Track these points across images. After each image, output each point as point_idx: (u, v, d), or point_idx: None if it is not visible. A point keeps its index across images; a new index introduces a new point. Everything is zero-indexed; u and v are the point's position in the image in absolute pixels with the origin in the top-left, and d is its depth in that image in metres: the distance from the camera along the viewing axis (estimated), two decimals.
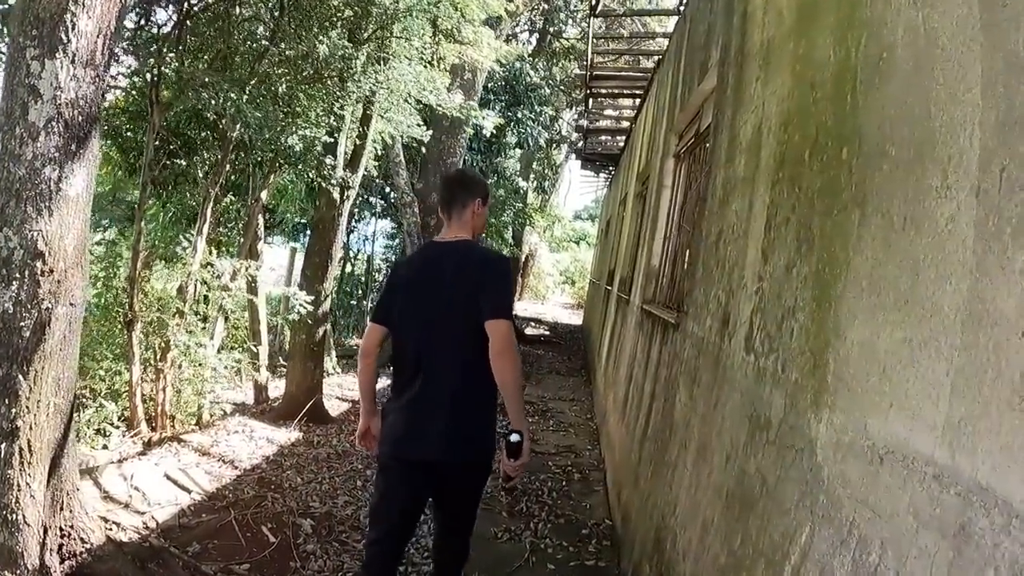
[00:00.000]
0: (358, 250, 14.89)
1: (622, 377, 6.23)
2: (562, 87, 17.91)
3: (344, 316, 13.84)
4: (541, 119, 13.95)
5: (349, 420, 7.83)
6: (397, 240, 13.32)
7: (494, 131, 14.51)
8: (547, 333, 17.53)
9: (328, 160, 6.75)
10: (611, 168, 16.32)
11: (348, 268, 15.31)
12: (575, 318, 23.93)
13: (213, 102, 5.53)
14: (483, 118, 8.04)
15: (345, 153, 7.53)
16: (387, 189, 12.71)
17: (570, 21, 16.67)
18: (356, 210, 13.90)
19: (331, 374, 10.04)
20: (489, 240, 22.18)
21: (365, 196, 13.08)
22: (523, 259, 23.52)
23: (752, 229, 2.53)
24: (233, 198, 9.26)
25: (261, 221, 8.22)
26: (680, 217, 5.13)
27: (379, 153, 10.93)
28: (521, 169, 23.31)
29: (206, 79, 5.54)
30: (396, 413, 2.76)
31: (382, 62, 5.85)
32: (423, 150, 11.84)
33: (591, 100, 10.88)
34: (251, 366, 8.27)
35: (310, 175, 6.70)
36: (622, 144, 13.14)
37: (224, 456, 6.25)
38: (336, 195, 7.37)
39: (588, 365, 12.51)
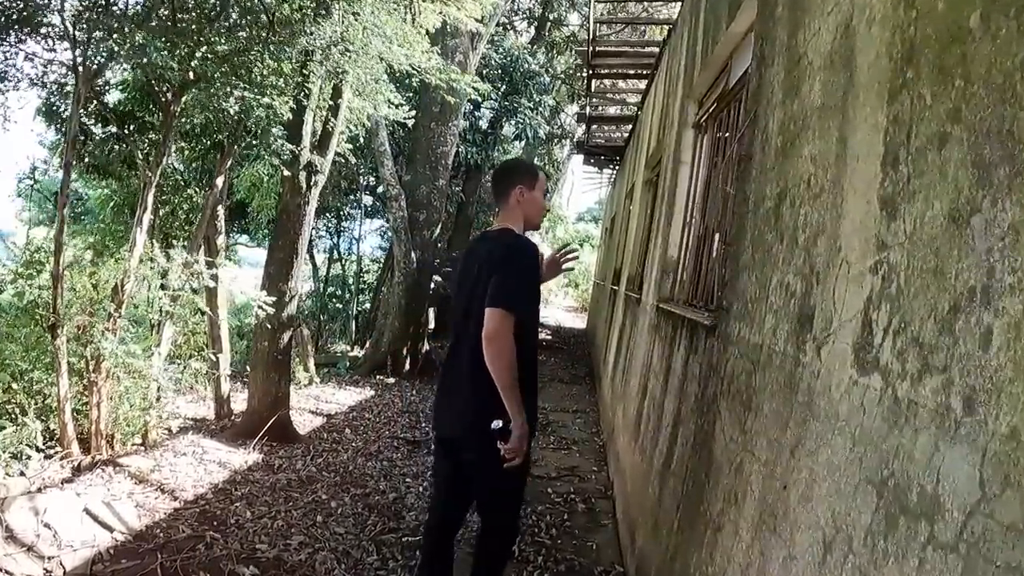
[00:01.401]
0: (347, 250, 13.98)
1: (634, 389, 5.29)
2: (563, 78, 17.02)
3: (330, 320, 12.91)
4: (541, 109, 13.05)
5: (320, 439, 6.90)
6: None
7: (490, 122, 13.66)
8: (549, 338, 16.58)
9: (276, 131, 5.79)
10: (615, 163, 15.38)
11: (336, 270, 14.40)
12: (579, 322, 23.00)
13: (146, 63, 4.62)
14: (468, 84, 7.08)
15: (314, 133, 6.62)
16: (378, 186, 11.79)
17: (571, 8, 15.78)
18: (343, 208, 13.00)
19: (306, 385, 9.11)
20: None
21: (350, 190, 12.16)
22: None
23: (852, 174, 1.61)
24: (198, 189, 8.38)
25: (222, 213, 7.30)
26: (704, 196, 4.21)
27: (361, 141, 10.02)
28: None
29: (139, 39, 4.63)
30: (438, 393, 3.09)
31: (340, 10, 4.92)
32: (411, 140, 10.96)
33: (594, 81, 9.93)
34: (211, 377, 7.37)
35: (265, 155, 5.77)
36: (627, 135, 12.21)
37: (165, 484, 5.36)
38: (302, 181, 6.46)
39: (593, 372, 11.57)
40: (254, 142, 6.58)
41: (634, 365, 5.60)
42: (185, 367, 7.85)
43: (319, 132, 6.74)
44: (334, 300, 13.08)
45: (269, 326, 6.60)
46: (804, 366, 1.73)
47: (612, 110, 13.01)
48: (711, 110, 4.28)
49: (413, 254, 10.16)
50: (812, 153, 1.92)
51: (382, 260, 13.02)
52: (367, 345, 11.13)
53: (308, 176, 6.50)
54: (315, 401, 8.48)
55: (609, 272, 11.93)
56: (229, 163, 7.14)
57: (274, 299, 6.48)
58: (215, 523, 4.65)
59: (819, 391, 1.61)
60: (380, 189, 11.33)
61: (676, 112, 5.31)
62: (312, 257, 15.39)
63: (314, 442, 6.75)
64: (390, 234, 10.34)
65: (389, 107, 7.26)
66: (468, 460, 2.89)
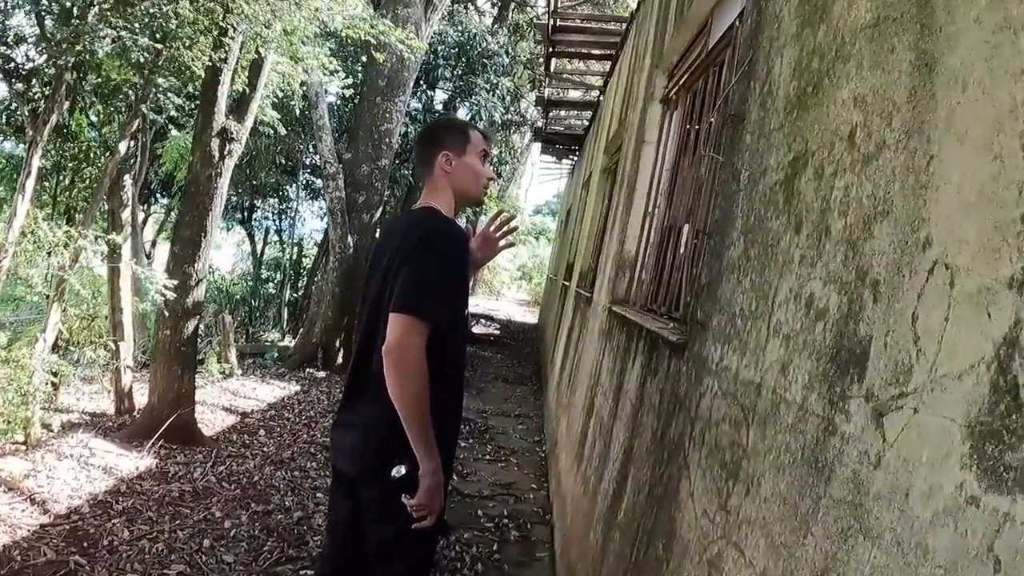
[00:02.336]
0: (287, 232, 13.04)
1: (579, 402, 4.62)
2: (524, 62, 16.30)
3: (264, 306, 11.99)
4: (499, 92, 12.29)
5: (228, 441, 6.10)
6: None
7: (444, 103, 12.86)
8: (497, 332, 15.86)
9: (164, 82, 4.96)
10: (574, 153, 14.72)
11: (276, 252, 13.47)
12: (530, 316, 22.32)
13: None
14: (398, 39, 6.25)
15: (231, 96, 5.80)
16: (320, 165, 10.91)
17: None
18: (284, 187, 12.06)
19: (225, 377, 8.26)
20: None
21: (289, 168, 11.25)
22: None
23: (956, 111, 0.92)
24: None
25: (129, 182, 6.43)
26: (672, 181, 3.53)
27: (298, 112, 9.17)
28: None
29: None
30: None
31: None
32: (355, 116, 10.12)
33: (555, 62, 9.21)
34: (110, 368, 6.51)
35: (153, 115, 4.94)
36: (587, 122, 11.55)
37: (37, 493, 4.57)
38: (214, 149, 5.63)
39: (540, 372, 10.90)
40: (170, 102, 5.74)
41: (581, 374, 4.92)
42: (80, 356, 6.99)
43: (239, 97, 5.92)
44: (268, 284, 12.17)
45: (171, 313, 5.77)
46: (846, 439, 1.05)
47: (573, 94, 12.32)
48: (683, 81, 3.61)
49: (350, 238, 9.34)
50: (858, 94, 1.24)
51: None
52: (298, 335, 10.28)
53: (222, 144, 5.68)
54: (231, 396, 7.64)
55: (562, 266, 11.27)
56: (137, 125, 6.29)
57: (178, 283, 5.67)
58: (85, 544, 3.93)
59: (880, 492, 0.92)
60: (305, 161, 10.47)
61: (642, 87, 4.63)
62: (251, 237, 14.49)
63: (220, 445, 5.94)
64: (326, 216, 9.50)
65: (324, 73, 6.47)
66: (366, 500, 2.18)
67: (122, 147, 5.91)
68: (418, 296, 1.95)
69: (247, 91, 5.85)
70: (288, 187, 11.72)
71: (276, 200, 12.15)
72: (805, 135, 1.44)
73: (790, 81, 1.59)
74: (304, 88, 9.03)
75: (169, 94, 5.52)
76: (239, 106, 5.86)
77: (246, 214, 12.83)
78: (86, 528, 4.13)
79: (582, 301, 6.19)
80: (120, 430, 5.99)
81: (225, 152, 5.71)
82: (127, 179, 6.38)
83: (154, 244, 12.48)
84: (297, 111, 8.75)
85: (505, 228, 2.50)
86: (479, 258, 2.51)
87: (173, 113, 7.11)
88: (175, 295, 5.68)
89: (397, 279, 1.99)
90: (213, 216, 5.78)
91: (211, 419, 6.66)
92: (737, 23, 2.55)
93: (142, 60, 4.42)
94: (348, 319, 9.70)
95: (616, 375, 3.31)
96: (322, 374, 9.25)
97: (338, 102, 11.27)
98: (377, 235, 9.85)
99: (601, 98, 8.98)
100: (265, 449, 6.00)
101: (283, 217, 12.94)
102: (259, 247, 13.35)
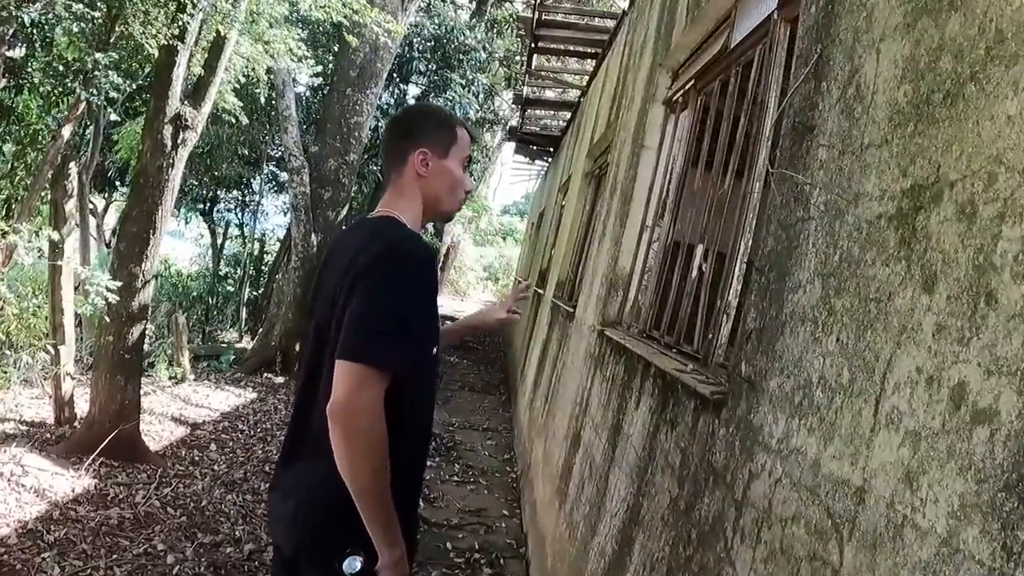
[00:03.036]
0: (245, 225, 12.45)
1: (561, 430, 4.24)
2: (501, 59, 15.91)
3: (222, 304, 11.39)
4: (474, 88, 11.87)
5: (176, 457, 5.61)
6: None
7: (417, 98, 12.40)
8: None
9: (103, 58, 4.49)
10: (548, 155, 14.34)
11: (236, 248, 12.88)
12: None
13: None
14: (373, 19, 5.76)
15: (187, 79, 5.32)
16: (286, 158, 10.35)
17: None
18: (247, 179, 11.48)
19: (176, 382, 7.73)
20: None
21: (252, 159, 10.70)
22: (444, 251, 21.38)
23: None
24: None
25: (75, 171, 5.90)
26: (679, 193, 3.17)
27: (263, 101, 8.66)
28: None
29: None
30: None
31: None
32: (323, 107, 9.63)
33: (536, 59, 8.81)
34: (49, 373, 5.99)
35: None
36: (564, 124, 11.19)
37: None
38: (166, 137, 5.15)
39: (508, 381, 10.52)
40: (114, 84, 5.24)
41: (562, 398, 4.55)
42: (17, 360, 6.45)
43: (197, 81, 5.44)
44: (227, 281, 11.57)
45: (114, 317, 5.28)
46: None
47: (551, 94, 11.93)
48: (692, 83, 3.24)
49: (314, 237, 8.85)
50: None
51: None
52: (256, 337, 9.76)
53: (175, 132, 5.19)
54: (183, 404, 7.13)
55: (533, 271, 10.89)
56: (83, 109, 5.77)
57: (122, 284, 5.18)
58: None
59: None
60: (270, 152, 9.92)
61: (639, 87, 4.27)
62: (212, 231, 13.88)
63: (167, 462, 5.45)
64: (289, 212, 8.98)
65: (292, 60, 6.00)
66: None
67: (66, 132, 5.41)
68: (372, 337, 1.49)
69: (206, 75, 5.36)
70: (252, 179, 11.15)
71: (239, 192, 11.56)
72: (934, 158, 1.07)
73: (897, 86, 1.22)
74: (271, 76, 8.53)
75: (115, 75, 5.00)
76: (196, 91, 5.38)
77: (208, 205, 12.25)
78: (12, 563, 3.67)
79: (560, 314, 5.82)
80: (59, 443, 5.48)
81: (179, 141, 5.22)
82: (72, 167, 5.85)
83: (115, 233, 11.82)
84: (262, 99, 8.24)
85: (520, 297, 2.14)
86: (487, 323, 2.14)
87: (123, 99, 6.61)
88: (119, 298, 5.20)
89: (346, 308, 1.53)
90: (163, 211, 5.29)
91: (158, 431, 6.16)
92: (775, 15, 2.20)
93: (87, 32, 3.93)
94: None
95: (612, 411, 2.94)
96: (280, 379, 8.76)
97: (307, 92, 10.75)
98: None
99: (583, 99, 8.62)
100: (216, 467, 5.53)
101: (245, 211, 12.36)
102: (219, 241, 12.76)
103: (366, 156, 10.03)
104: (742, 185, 2.21)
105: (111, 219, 14.77)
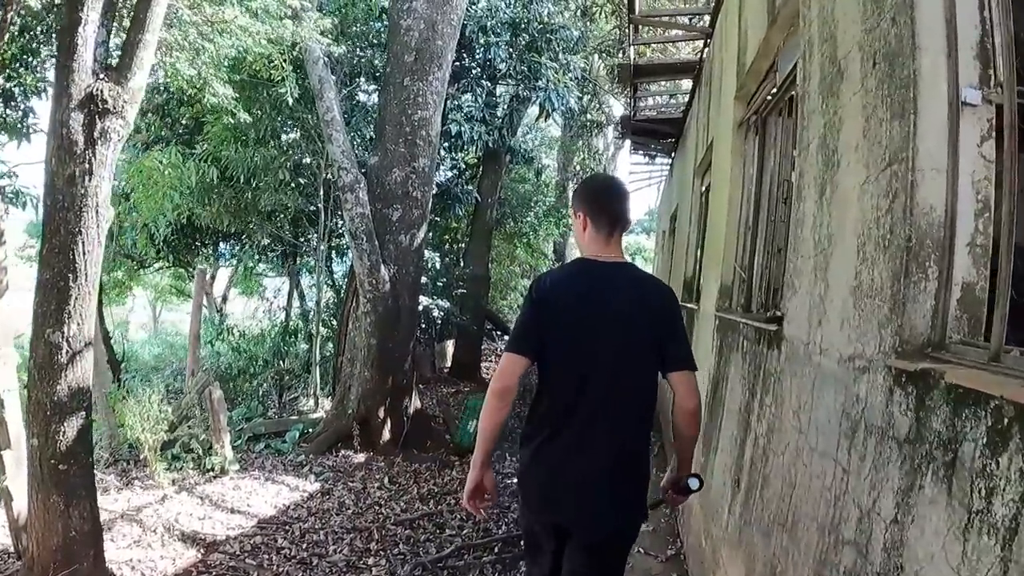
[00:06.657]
0: (324, 271, 10.72)
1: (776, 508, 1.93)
2: (599, 49, 13.77)
3: (297, 368, 9.64)
4: (571, 72, 9.77)
5: None
6: None
7: (504, 93, 10.43)
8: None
9: None
10: (670, 152, 11.95)
11: (319, 296, 11.24)
12: None
13: None
14: None
15: (103, 41, 3.48)
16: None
17: None
18: (303, 211, 9.75)
19: (214, 476, 5.91)
20: (519, 253, 17.95)
21: (307, 187, 8.91)
22: None
23: None
24: None
25: (2, 210, 4.19)
26: None
27: (291, 101, 6.79)
28: (558, 157, 19.09)
29: None
30: (538, 466, 2.31)
31: None
32: (378, 106, 7.75)
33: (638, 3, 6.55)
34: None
35: None
36: (686, 99, 8.84)
37: None
38: (77, 131, 3.31)
39: (659, 430, 8.10)
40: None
41: (771, 492, 2.24)
42: None
43: (123, 45, 3.60)
44: (298, 338, 9.87)
45: (36, 409, 3.47)
46: None
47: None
48: None
49: (383, 270, 6.90)
50: None
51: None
52: (330, 405, 7.86)
53: (89, 121, 3.35)
54: (211, 508, 5.27)
55: (675, 287, 8.50)
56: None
57: (39, 358, 3.38)
58: None
59: None
60: (327, 176, 7.99)
61: None
62: (298, 284, 12.35)
63: None
64: (349, 240, 7.01)
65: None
66: (605, 558, 2.31)
67: None
68: (692, 355, 2.32)
69: (132, 31, 3.52)
70: (310, 210, 9.28)
71: (291, 229, 9.76)
72: None
73: None
74: (299, 75, 6.75)
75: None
76: (121, 59, 3.53)
77: (287, 252, 10.68)
78: None
79: (744, 337, 3.55)
80: None
81: (96, 134, 3.37)
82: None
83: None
84: (290, 99, 6.42)
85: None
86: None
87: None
88: (37, 381, 3.38)
89: (663, 338, 2.26)
90: (86, 241, 3.43)
91: (152, 560, 4.29)
92: None
93: None
94: (394, 379, 7.23)
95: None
96: (360, 457, 6.80)
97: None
98: (438, 265, 7.39)
99: (712, 28, 6.31)
100: None
101: (301, 250, 10.60)
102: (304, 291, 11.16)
103: (466, 175, 7.93)
104: None
105: None
